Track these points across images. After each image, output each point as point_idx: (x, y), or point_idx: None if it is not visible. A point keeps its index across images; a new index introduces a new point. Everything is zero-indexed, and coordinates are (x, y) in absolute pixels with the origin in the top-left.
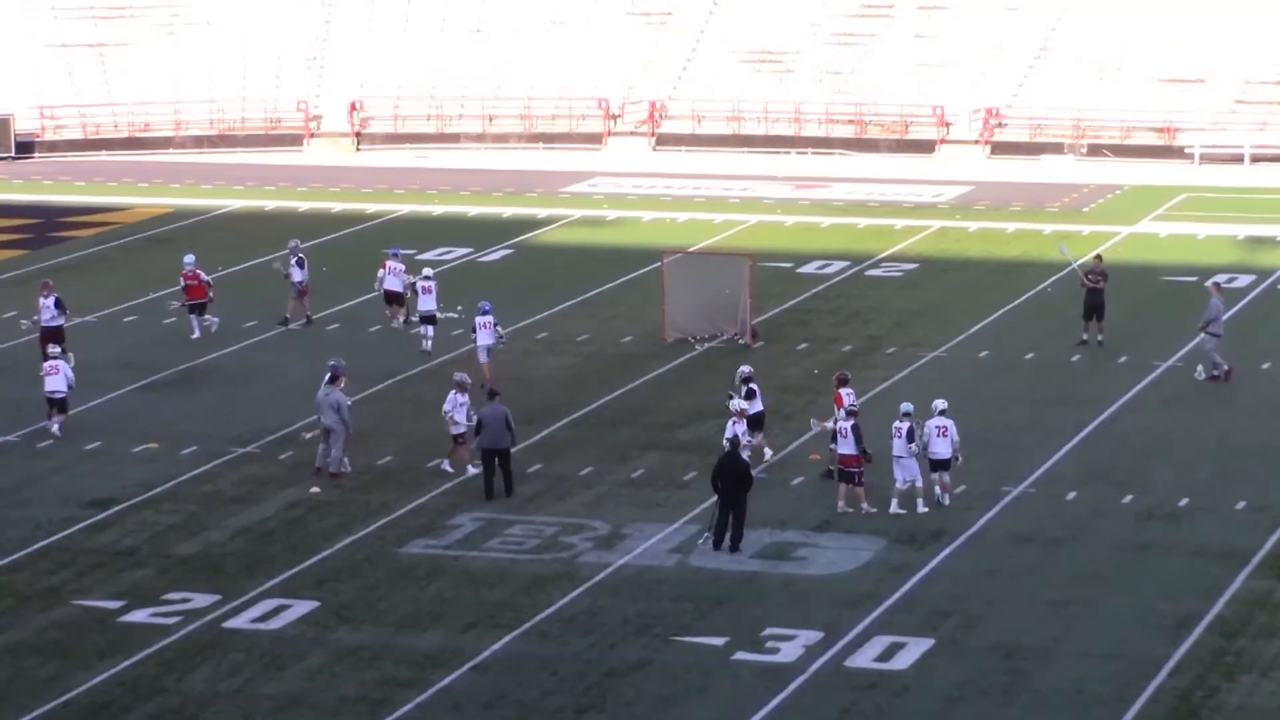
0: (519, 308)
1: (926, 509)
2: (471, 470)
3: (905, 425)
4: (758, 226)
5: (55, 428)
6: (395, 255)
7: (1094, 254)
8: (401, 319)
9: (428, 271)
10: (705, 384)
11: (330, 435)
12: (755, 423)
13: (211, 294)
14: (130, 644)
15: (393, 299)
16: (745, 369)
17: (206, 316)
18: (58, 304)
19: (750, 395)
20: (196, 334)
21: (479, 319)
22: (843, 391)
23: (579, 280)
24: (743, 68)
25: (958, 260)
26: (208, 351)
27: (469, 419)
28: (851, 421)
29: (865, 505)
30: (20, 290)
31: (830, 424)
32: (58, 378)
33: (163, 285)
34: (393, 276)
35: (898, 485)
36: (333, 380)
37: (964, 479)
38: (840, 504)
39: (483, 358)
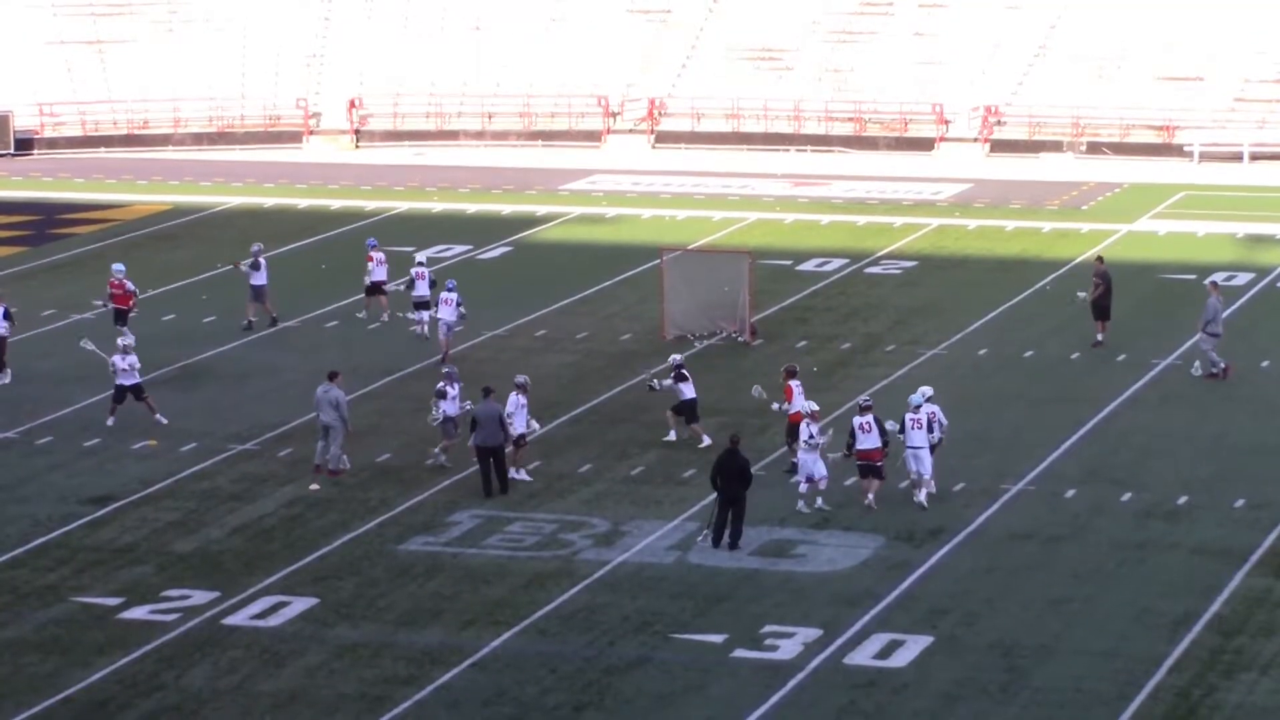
0: (518, 305)
1: (927, 507)
2: (523, 474)
3: (923, 416)
4: (757, 224)
5: (159, 418)
6: (374, 246)
7: (1095, 255)
8: (385, 313)
9: (420, 258)
10: (704, 382)
11: (329, 432)
12: (689, 409)
13: (134, 304)
14: (129, 641)
15: (376, 290)
16: (676, 357)
17: (124, 330)
18: (5, 314)
19: (681, 379)
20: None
21: (444, 294)
22: (792, 384)
23: (578, 278)
24: (742, 65)
25: (957, 258)
26: (207, 349)
27: (528, 424)
28: (869, 415)
29: (871, 499)
30: (20, 288)
31: (775, 406)
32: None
33: (161, 284)
34: (379, 267)
35: (915, 477)
36: (332, 377)
37: (963, 476)
38: (870, 499)
39: (442, 333)
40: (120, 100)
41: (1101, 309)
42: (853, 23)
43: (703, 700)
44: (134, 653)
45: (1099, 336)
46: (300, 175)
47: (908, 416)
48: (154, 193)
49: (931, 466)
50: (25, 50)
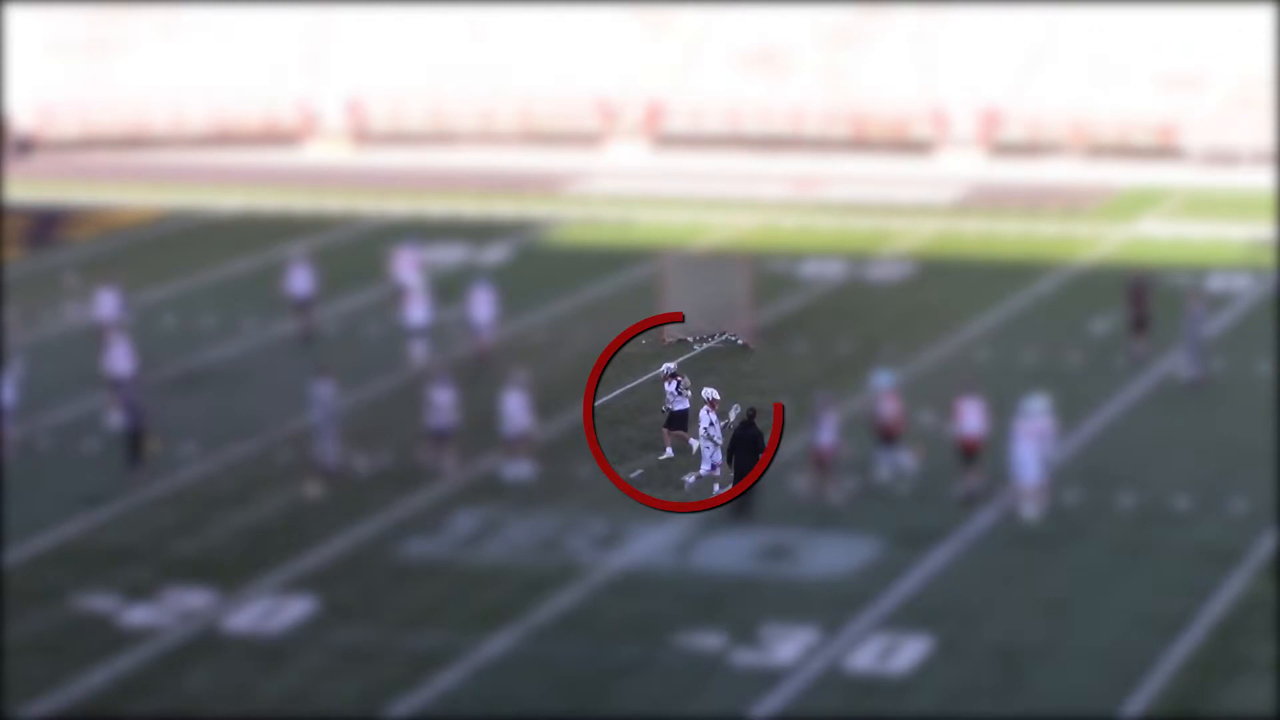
0: (518, 308)
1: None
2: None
3: (1034, 427)
4: (756, 226)
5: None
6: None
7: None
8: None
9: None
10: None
11: (322, 429)
12: None
13: None
14: (128, 643)
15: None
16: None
17: None
18: None
19: None
20: None
21: (479, 294)
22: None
23: (577, 280)
24: (742, 68)
25: (956, 261)
26: (208, 351)
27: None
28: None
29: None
30: (19, 290)
31: None
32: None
33: (161, 286)
34: (409, 269)
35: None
36: (320, 371)
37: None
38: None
39: (484, 334)
40: (120, 102)
41: (1138, 319)
42: (852, 25)
43: (701, 703)
44: (133, 655)
45: (1137, 348)
46: (300, 178)
47: (1019, 425)
48: (154, 195)
49: (1038, 479)
50: (25, 52)
